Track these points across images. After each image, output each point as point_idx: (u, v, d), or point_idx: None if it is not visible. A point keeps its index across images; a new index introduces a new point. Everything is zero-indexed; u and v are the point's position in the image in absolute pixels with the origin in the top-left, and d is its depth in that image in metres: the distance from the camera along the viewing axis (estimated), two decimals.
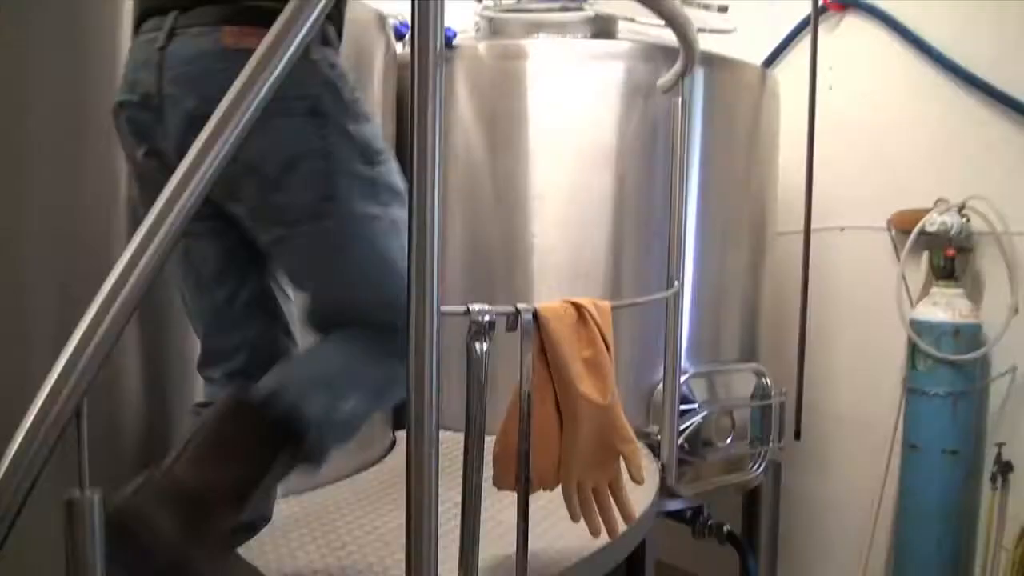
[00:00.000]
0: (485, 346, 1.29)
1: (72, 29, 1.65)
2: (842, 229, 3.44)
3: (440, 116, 1.13)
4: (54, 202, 1.63)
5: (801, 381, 3.21)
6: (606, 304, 1.56)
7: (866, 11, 3.34)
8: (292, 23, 1.07)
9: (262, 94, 1.04)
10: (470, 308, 1.30)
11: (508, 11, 2.73)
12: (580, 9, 2.66)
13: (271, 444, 1.26)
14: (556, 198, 2.61)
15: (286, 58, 1.06)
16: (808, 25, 3.35)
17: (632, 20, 2.64)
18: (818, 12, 3.28)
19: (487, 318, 1.30)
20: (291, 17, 1.07)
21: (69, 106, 1.64)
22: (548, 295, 2.59)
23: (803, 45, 3.55)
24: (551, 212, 2.62)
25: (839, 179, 3.38)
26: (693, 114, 2.74)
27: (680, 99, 2.28)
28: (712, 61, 2.77)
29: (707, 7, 2.77)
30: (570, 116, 2.60)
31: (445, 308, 1.17)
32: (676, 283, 2.12)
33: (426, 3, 1.14)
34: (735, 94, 2.90)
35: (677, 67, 2.22)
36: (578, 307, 1.48)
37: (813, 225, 3.26)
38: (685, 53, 2.11)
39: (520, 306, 1.39)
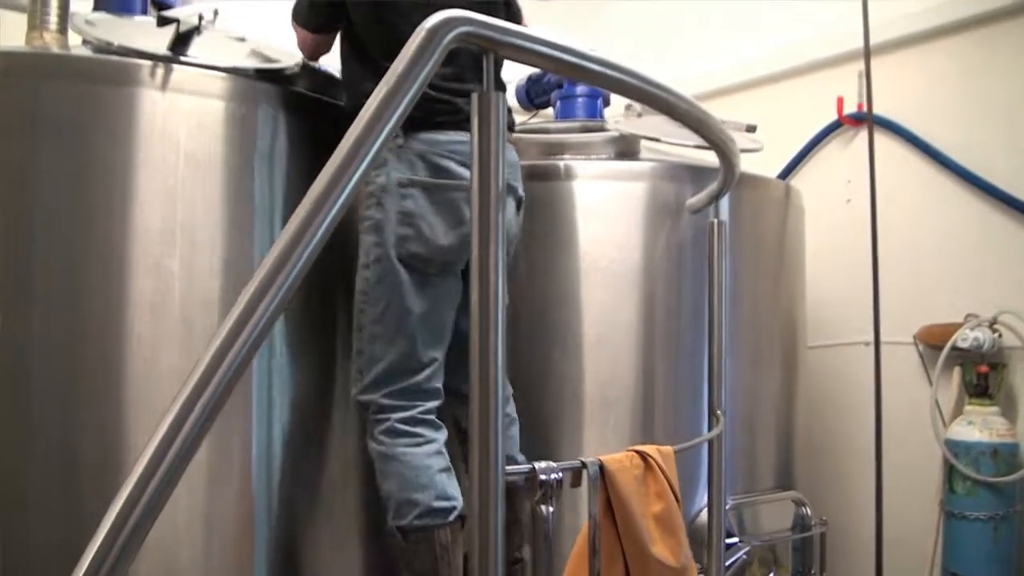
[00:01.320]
0: (552, 509, 1.19)
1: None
2: (867, 343, 3.35)
3: (503, 258, 1.10)
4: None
5: (880, 523, 3.01)
6: (668, 450, 1.46)
7: (882, 125, 3.34)
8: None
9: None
10: (536, 467, 1.20)
11: (530, 131, 2.70)
12: (603, 130, 2.63)
13: None
14: (582, 320, 2.53)
15: None
16: (825, 137, 3.34)
17: (656, 140, 2.60)
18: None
19: (555, 476, 1.20)
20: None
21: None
22: (575, 422, 2.49)
23: (818, 157, 3.55)
24: (577, 334, 2.53)
25: (862, 292, 3.31)
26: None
27: (716, 221, 2.22)
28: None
29: (736, 126, 2.74)
30: (596, 238, 2.55)
31: (510, 469, 1.08)
32: (722, 417, 2.01)
33: (488, 145, 1.12)
34: (760, 210, 2.86)
35: (713, 188, 2.17)
36: (643, 456, 1.38)
37: (836, 340, 3.18)
38: (725, 173, 2.06)
39: (586, 460, 1.29)
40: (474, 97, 1.20)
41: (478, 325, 1.13)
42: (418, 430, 1.90)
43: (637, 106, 2.77)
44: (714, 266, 2.24)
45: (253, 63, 1.93)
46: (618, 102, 3.04)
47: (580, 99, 2.86)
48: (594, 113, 2.86)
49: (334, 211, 1.02)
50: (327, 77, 2.11)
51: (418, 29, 1.14)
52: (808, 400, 3.07)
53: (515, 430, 2.15)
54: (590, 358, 2.52)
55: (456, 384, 1.99)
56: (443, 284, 1.96)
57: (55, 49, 2.11)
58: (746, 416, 2.71)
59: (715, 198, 2.19)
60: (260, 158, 1.84)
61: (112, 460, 1.67)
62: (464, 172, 1.92)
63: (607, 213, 2.57)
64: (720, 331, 2.23)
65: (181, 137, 1.73)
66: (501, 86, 2.19)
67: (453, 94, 1.95)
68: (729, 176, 2.06)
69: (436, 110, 1.93)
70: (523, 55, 1.24)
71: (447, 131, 1.96)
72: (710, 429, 2.02)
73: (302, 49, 2.14)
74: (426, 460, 1.87)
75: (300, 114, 1.93)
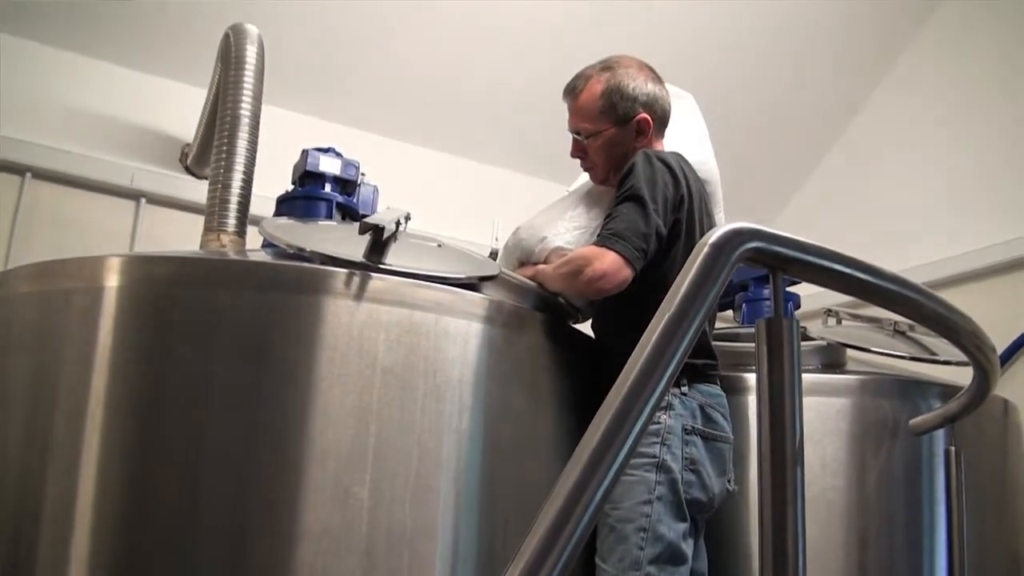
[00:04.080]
0: None
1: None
2: None
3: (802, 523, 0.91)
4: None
5: None
6: None
7: None
8: None
9: None
10: None
11: (721, 340, 2.50)
12: (807, 338, 2.41)
13: None
14: None
15: None
16: None
17: (866, 350, 2.37)
18: None
19: None
20: None
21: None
22: None
23: None
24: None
25: None
26: (935, 453, 2.40)
27: (954, 449, 1.94)
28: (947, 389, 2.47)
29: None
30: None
31: None
32: None
33: (780, 386, 0.93)
34: (978, 429, 2.55)
35: (951, 406, 1.90)
36: None
37: None
38: (977, 390, 1.79)
39: None
40: (761, 324, 1.03)
41: None
42: None
43: (839, 311, 2.56)
44: (953, 501, 1.95)
45: (460, 269, 1.82)
46: (807, 306, 2.85)
47: (769, 302, 2.67)
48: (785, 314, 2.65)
49: (621, 456, 0.84)
50: (517, 286, 1.98)
51: (699, 244, 0.99)
52: None
53: None
54: None
55: None
56: (699, 533, 1.97)
57: (232, 254, 2.07)
58: None
59: (954, 419, 1.92)
60: (477, 378, 1.69)
61: None
62: (727, 425, 2.00)
63: (810, 431, 2.31)
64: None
65: (379, 352, 1.59)
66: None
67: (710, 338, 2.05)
68: (980, 393, 1.80)
69: (708, 358, 2.01)
70: (812, 273, 1.06)
71: (713, 384, 2.02)
72: None
73: (593, 284, 1.88)
74: None
75: (512, 329, 1.79)
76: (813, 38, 3.88)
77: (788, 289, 2.58)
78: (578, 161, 2.22)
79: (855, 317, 2.82)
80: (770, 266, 1.03)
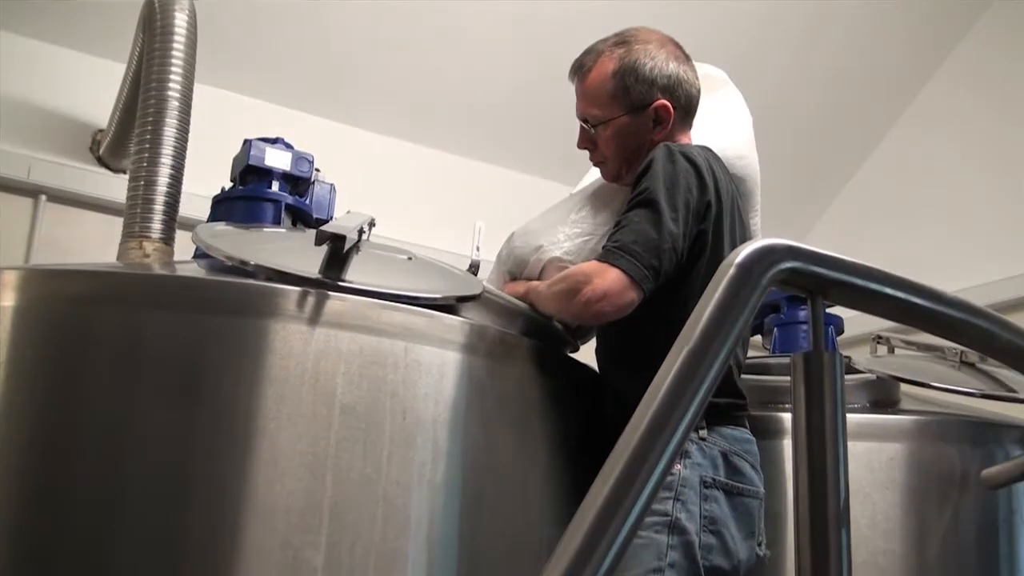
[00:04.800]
0: None
1: None
2: None
3: None
4: None
5: None
6: None
7: None
8: None
9: None
10: None
11: (749, 373, 2.53)
12: (853, 371, 2.45)
13: None
14: None
15: None
16: None
17: (925, 385, 2.41)
18: None
19: None
20: None
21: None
22: None
23: None
24: None
25: None
26: (1014, 511, 2.44)
27: None
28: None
29: None
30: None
31: None
32: None
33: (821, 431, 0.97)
34: None
35: None
36: None
37: None
38: None
39: None
40: (797, 359, 1.06)
41: None
42: None
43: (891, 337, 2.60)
44: None
45: (435, 287, 1.84)
46: (852, 330, 2.88)
47: (806, 326, 2.70)
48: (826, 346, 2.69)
49: (631, 520, 0.86)
50: (504, 307, 2.01)
51: (724, 264, 1.02)
52: None
53: None
54: None
55: None
56: None
57: (158, 268, 2.08)
58: None
59: None
60: (455, 419, 1.71)
61: None
62: (756, 477, 2.01)
63: (857, 484, 2.34)
64: None
65: (338, 387, 1.61)
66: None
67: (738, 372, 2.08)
68: None
69: (734, 395, 2.03)
70: (859, 299, 1.10)
71: (740, 427, 2.03)
72: None
73: (592, 307, 1.88)
74: None
75: (498, 359, 1.82)
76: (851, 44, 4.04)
77: (828, 310, 2.61)
78: (587, 153, 2.23)
79: (910, 344, 2.85)
80: (809, 290, 1.06)
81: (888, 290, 1.09)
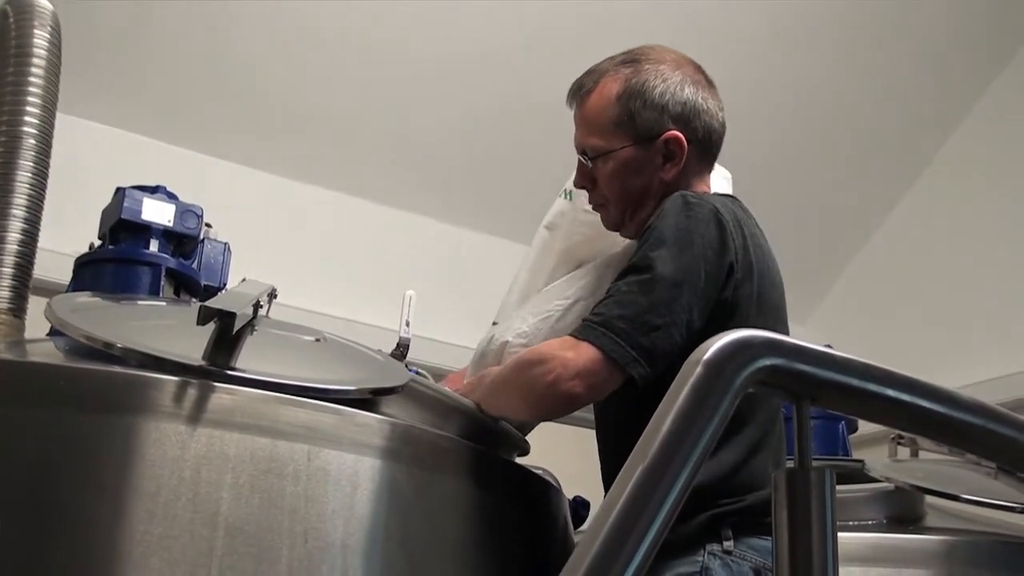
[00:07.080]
0: None
1: None
2: None
3: None
4: None
5: None
6: None
7: None
8: None
9: None
10: None
11: None
12: (866, 478, 2.49)
13: None
14: None
15: None
16: None
17: (954, 497, 2.45)
18: None
19: None
20: None
21: None
22: None
23: None
24: None
25: None
26: None
27: None
28: None
29: None
30: None
31: None
32: None
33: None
34: None
35: None
36: None
37: None
38: None
39: None
40: (779, 477, 1.08)
41: None
42: None
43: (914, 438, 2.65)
44: None
45: (349, 376, 1.85)
46: (866, 428, 2.92)
47: (815, 422, 2.75)
48: (838, 447, 2.75)
49: None
50: (437, 402, 2.02)
51: (688, 362, 1.05)
52: None
53: None
54: None
55: None
56: None
57: (2, 350, 2.08)
58: None
59: None
60: (372, 544, 1.72)
61: None
62: None
63: None
64: None
65: (223, 501, 1.62)
66: None
67: None
68: None
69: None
70: (855, 403, 1.13)
71: (767, 536, 2.02)
72: None
73: (558, 387, 1.85)
74: None
75: (427, 468, 1.83)
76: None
77: None
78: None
79: (938, 445, 2.88)
80: (794, 393, 1.09)
81: (890, 392, 1.11)
